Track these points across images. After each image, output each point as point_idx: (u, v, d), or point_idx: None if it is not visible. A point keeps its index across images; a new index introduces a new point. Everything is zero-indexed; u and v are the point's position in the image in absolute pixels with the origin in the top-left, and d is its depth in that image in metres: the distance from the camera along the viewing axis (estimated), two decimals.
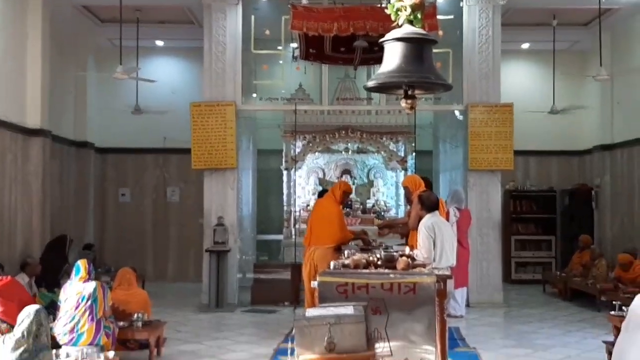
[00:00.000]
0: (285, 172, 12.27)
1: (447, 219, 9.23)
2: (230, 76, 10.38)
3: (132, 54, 11.64)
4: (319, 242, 7.65)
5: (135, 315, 6.57)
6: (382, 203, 12.06)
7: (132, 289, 6.95)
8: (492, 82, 10.36)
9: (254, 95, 11.85)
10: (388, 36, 4.99)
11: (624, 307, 6.20)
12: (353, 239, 7.94)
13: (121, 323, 6.44)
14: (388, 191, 12.51)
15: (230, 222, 10.25)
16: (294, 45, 9.96)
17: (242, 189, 10.96)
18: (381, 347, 5.01)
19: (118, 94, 12.84)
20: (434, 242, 6.44)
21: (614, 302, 6.79)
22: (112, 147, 13.27)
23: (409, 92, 4.97)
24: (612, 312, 6.54)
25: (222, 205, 10.30)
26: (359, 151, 12.63)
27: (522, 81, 13.44)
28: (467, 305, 9.83)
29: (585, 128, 13.35)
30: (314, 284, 5.33)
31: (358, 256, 5.86)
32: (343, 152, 12.64)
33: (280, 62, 11.28)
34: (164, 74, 12.97)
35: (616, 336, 6.09)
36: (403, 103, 5.05)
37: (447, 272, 5.96)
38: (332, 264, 5.59)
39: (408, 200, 8.01)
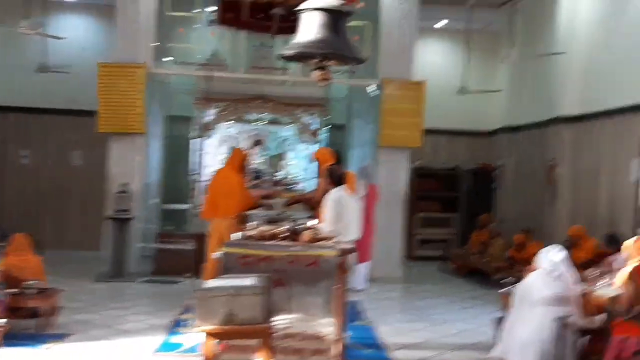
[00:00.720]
0: (194, 140, 12.01)
1: (356, 193, 9.34)
2: (143, 37, 10.02)
3: (40, 8, 11.02)
4: (226, 213, 7.53)
5: (28, 282, 6.29)
6: (293, 175, 12.03)
7: (25, 255, 6.65)
8: (407, 59, 10.44)
9: (167, 58, 11.49)
10: (304, 5, 4.92)
11: (513, 285, 6.43)
12: (259, 205, 7.87)
13: (13, 290, 6.15)
14: (300, 164, 12.48)
15: (135, 189, 9.97)
16: (211, 9, 9.70)
17: (150, 156, 10.66)
18: (281, 319, 5.01)
19: (23, 50, 12.18)
20: (340, 216, 6.47)
21: (504, 280, 7.06)
22: (14, 106, 12.61)
23: (323, 64, 4.92)
24: (502, 290, 6.78)
25: (127, 172, 10.00)
26: (272, 122, 12.52)
27: (435, 60, 13.65)
28: (369, 280, 9.98)
29: (493, 109, 13.73)
30: (217, 255, 5.26)
31: (263, 228, 5.82)
32: (256, 122, 12.49)
33: (197, 26, 10.97)
34: (73, 32, 12.39)
35: (505, 312, 6.37)
36: (316, 75, 5.00)
37: (351, 246, 6.00)
38: (236, 235, 5.53)
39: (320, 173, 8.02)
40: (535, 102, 11.98)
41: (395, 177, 10.52)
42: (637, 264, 5.04)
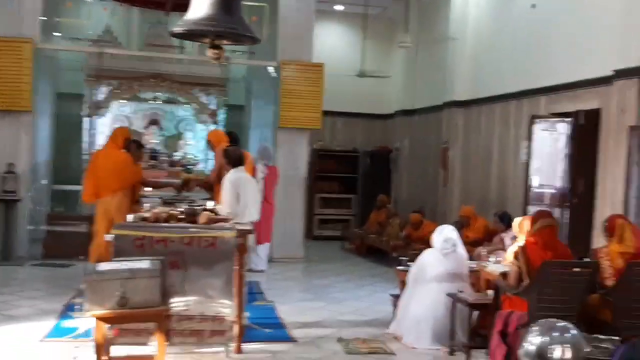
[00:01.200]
0: (86, 119, 11.52)
1: (254, 175, 9.26)
2: (29, 10, 9.46)
3: None
4: (113, 191, 7.16)
5: None
6: (191, 156, 11.80)
7: None
8: (306, 41, 10.42)
9: (56, 34, 10.92)
10: None
11: (409, 263, 6.60)
12: (161, 186, 7.65)
13: None
14: (197, 144, 12.26)
15: (23, 170, 9.46)
16: None
17: (38, 135, 10.14)
18: (177, 302, 4.90)
19: None
20: (238, 198, 6.39)
21: (400, 258, 7.22)
22: None
23: (217, 42, 4.81)
24: (399, 267, 6.95)
25: (14, 152, 9.46)
26: (169, 101, 12.20)
27: (334, 43, 13.72)
28: (269, 260, 9.98)
29: (390, 93, 13.98)
30: (109, 237, 5.06)
31: (159, 209, 5.66)
32: (152, 101, 12.13)
33: (89, 0, 10.48)
34: None
35: (401, 289, 6.52)
36: (209, 53, 4.88)
37: (249, 228, 5.94)
38: (130, 216, 5.35)
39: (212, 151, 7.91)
40: (429, 87, 12.28)
41: (295, 159, 10.51)
42: (523, 242, 5.26)
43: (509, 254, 5.62)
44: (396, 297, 6.57)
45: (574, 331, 0.87)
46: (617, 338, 2.90)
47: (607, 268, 5.16)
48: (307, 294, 8.22)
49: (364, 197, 13.86)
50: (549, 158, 8.19)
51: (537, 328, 0.87)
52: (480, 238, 8.54)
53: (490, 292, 5.54)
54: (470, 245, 8.29)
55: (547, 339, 0.86)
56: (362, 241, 11.63)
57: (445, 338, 5.85)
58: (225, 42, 4.94)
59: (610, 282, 5.08)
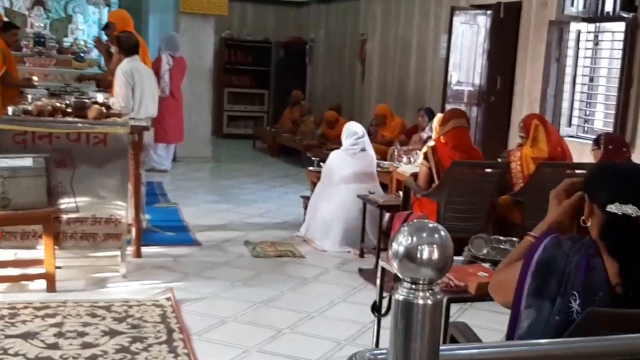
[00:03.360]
0: None
1: (158, 66, 9.00)
2: None
3: None
4: None
5: None
6: (82, 43, 11.29)
7: None
8: None
9: None
10: None
11: (321, 163, 6.69)
12: (19, 85, 7.25)
13: None
14: (89, 29, 11.71)
15: None
16: None
17: None
18: (66, 203, 4.83)
19: None
20: (133, 90, 6.23)
21: (313, 158, 7.31)
22: None
23: None
24: (310, 168, 7.04)
25: None
26: None
27: None
28: (174, 159, 9.89)
29: None
30: None
31: (43, 102, 5.46)
32: None
33: None
34: None
35: (312, 191, 6.65)
36: None
37: (146, 124, 5.84)
38: (10, 109, 5.14)
39: (111, 40, 7.58)
40: None
41: (199, 48, 10.25)
42: (434, 142, 5.41)
43: (421, 154, 5.80)
44: (307, 199, 6.68)
45: (443, 233, 0.92)
46: (516, 239, 3.08)
47: (517, 174, 5.41)
48: (213, 196, 8.25)
49: (277, 92, 13.78)
50: (468, 54, 8.32)
51: (406, 229, 0.92)
52: (397, 137, 8.71)
53: (401, 193, 5.71)
54: (386, 145, 8.47)
55: (415, 239, 0.91)
56: (275, 140, 11.66)
57: (355, 240, 6.03)
58: None
59: (519, 187, 5.34)
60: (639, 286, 1.82)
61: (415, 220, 1.13)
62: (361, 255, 5.98)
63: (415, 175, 5.58)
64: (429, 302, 1.06)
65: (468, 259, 3.15)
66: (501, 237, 3.18)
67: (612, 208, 1.83)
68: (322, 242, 6.16)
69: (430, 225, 1.12)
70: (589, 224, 1.90)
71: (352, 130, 6.37)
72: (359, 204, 5.97)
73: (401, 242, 1.09)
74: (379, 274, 3.05)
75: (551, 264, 1.87)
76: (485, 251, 3.12)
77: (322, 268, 5.65)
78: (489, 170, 5.40)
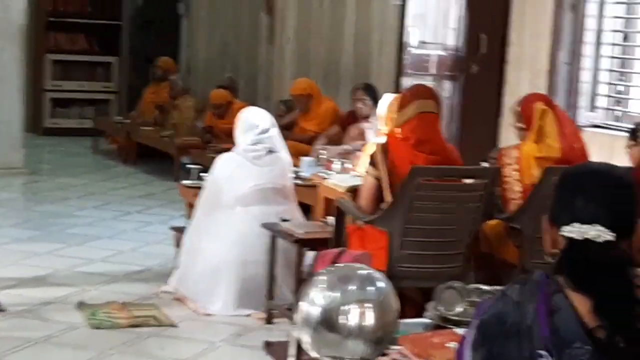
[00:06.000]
0: None
1: None
2: None
3: None
4: None
5: None
6: None
7: None
8: None
9: None
10: None
11: (203, 175, 6.71)
12: None
13: None
14: None
15: None
16: None
17: None
18: None
19: None
20: None
21: (191, 166, 7.26)
22: None
23: None
24: (187, 182, 7.04)
25: None
26: None
27: None
28: None
29: None
30: None
31: None
32: None
33: None
34: None
35: (189, 218, 6.60)
36: None
37: None
38: None
39: None
40: None
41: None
42: (385, 137, 5.42)
43: (365, 158, 5.81)
44: (181, 232, 6.65)
45: (382, 284, 0.90)
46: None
47: (514, 184, 5.47)
48: (27, 230, 8.16)
49: (132, 61, 13.73)
50: (436, 1, 8.44)
51: (323, 279, 0.89)
52: (325, 131, 8.72)
53: (332, 219, 5.71)
54: (309, 143, 8.47)
55: (337, 295, 0.88)
56: (130, 137, 11.55)
57: (258, 297, 6.01)
58: None
59: (516, 206, 5.40)
60: (629, 328, 1.92)
61: (341, 265, 1.10)
62: (268, 320, 5.95)
63: (354, 192, 5.58)
64: None
65: (434, 322, 3.14)
66: (485, 287, 3.20)
67: (570, 231, 1.99)
68: (205, 301, 6.12)
69: (362, 271, 1.09)
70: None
71: (252, 122, 6.36)
72: (265, 238, 5.94)
73: (314, 300, 1.05)
74: (291, 350, 3.03)
75: (500, 323, 1.97)
76: (459, 309, 3.14)
77: (206, 343, 5.61)
78: (469, 181, 5.44)
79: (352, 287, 0.94)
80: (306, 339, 0.97)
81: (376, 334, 0.94)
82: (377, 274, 0.95)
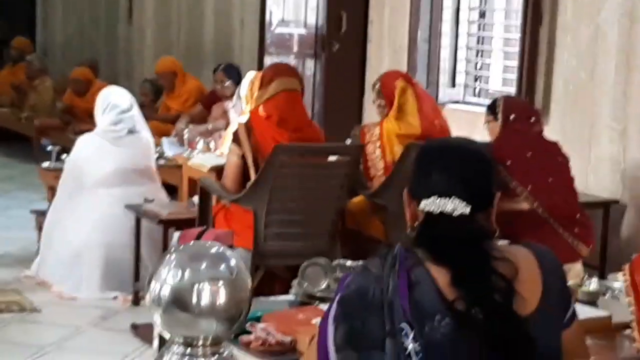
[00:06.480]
0: None
1: None
2: None
3: None
4: None
5: None
6: None
7: None
8: None
9: None
10: None
11: (64, 156, 6.60)
12: None
13: None
14: None
15: None
16: None
17: None
18: None
19: None
20: None
21: (50, 148, 7.12)
22: None
23: None
24: (46, 164, 6.93)
25: None
26: None
27: None
28: None
29: None
30: None
31: None
32: None
33: None
34: None
35: (50, 202, 6.50)
36: None
37: None
38: None
39: None
40: None
41: None
42: (249, 116, 5.41)
43: (228, 137, 5.80)
44: (42, 216, 6.55)
45: (234, 261, 0.90)
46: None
47: (377, 161, 5.54)
48: None
49: None
50: None
51: (173, 258, 0.88)
52: (189, 110, 8.68)
53: (197, 199, 5.70)
54: (171, 122, 8.41)
55: (188, 273, 0.88)
56: None
57: (124, 279, 5.97)
58: None
59: (379, 183, 5.47)
60: (487, 299, 1.96)
61: (191, 243, 1.10)
62: (135, 302, 5.91)
63: (219, 171, 5.56)
64: None
65: (299, 299, 3.17)
66: (350, 263, 3.22)
67: (427, 205, 2.03)
68: (69, 284, 6.03)
69: (213, 249, 1.10)
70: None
71: (112, 102, 6.26)
72: (129, 219, 5.91)
73: (164, 279, 1.05)
74: (156, 331, 3.01)
75: (361, 298, 1.99)
76: (323, 285, 3.17)
77: (71, 327, 5.53)
78: (333, 158, 5.48)
79: (203, 265, 0.94)
80: (158, 319, 0.97)
81: (229, 312, 0.94)
82: (230, 252, 0.95)
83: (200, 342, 1.03)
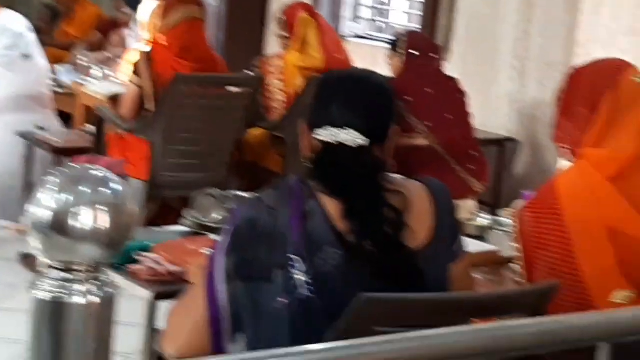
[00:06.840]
0: None
1: None
2: None
3: None
4: None
5: None
6: None
7: None
8: None
9: None
10: None
11: None
12: None
13: None
14: None
15: None
16: None
17: None
18: None
19: None
20: None
21: None
22: None
23: None
24: None
25: None
26: None
27: None
28: None
29: None
30: None
31: None
32: None
33: None
34: None
35: None
36: None
37: None
38: None
39: None
40: None
41: None
42: (149, 44, 5.34)
43: (125, 65, 5.73)
44: None
45: (117, 185, 0.87)
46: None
47: (277, 92, 5.53)
48: None
49: None
50: None
51: (53, 180, 0.85)
52: (87, 37, 8.57)
53: (92, 127, 5.63)
54: (67, 49, 8.27)
55: (68, 197, 0.85)
56: None
57: (14, 209, 5.76)
58: None
59: (279, 116, 5.47)
60: (378, 232, 1.97)
61: (72, 166, 1.06)
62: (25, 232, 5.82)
63: (115, 100, 5.50)
64: (94, 299, 1.00)
65: (191, 229, 3.17)
66: (243, 194, 3.21)
67: (324, 135, 2.04)
68: None
69: (95, 173, 1.06)
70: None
71: (5, 26, 6.13)
72: (20, 147, 5.83)
73: (43, 202, 1.01)
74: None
75: (253, 229, 2.00)
76: (215, 216, 3.17)
77: None
78: (233, 89, 5.47)
79: (85, 189, 0.91)
80: (36, 244, 0.94)
81: (111, 237, 0.91)
82: (114, 177, 0.92)
83: (81, 268, 1.00)
